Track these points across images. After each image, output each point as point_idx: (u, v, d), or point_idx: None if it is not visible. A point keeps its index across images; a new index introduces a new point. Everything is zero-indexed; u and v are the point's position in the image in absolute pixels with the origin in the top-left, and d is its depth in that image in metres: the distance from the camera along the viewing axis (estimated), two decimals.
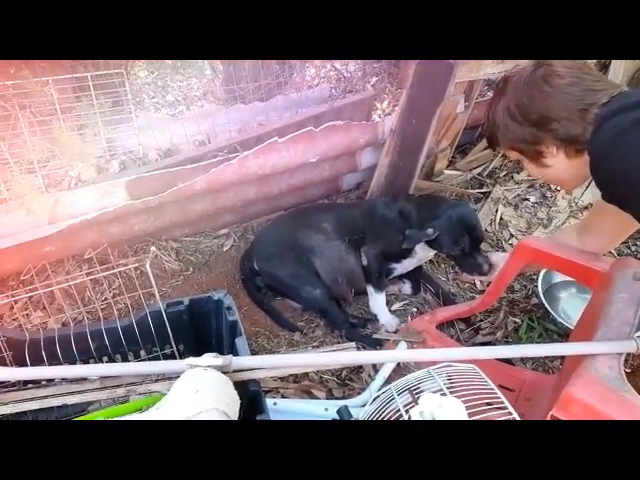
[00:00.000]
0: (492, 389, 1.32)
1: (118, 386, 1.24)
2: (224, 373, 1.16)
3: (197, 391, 1.00)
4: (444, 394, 1.29)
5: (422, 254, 2.07)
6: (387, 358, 1.59)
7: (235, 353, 1.33)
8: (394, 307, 2.18)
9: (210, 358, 1.14)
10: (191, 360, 1.14)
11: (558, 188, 2.77)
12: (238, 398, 1.11)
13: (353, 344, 1.29)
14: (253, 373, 1.20)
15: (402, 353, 1.61)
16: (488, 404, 1.28)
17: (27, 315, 1.86)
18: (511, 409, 1.23)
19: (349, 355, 1.27)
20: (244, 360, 1.19)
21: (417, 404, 1.20)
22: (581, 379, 1.17)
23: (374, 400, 1.44)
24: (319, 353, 1.24)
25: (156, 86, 3.29)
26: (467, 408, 1.21)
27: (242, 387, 1.23)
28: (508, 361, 1.87)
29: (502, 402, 1.27)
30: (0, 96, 1.92)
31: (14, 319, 1.84)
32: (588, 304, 1.62)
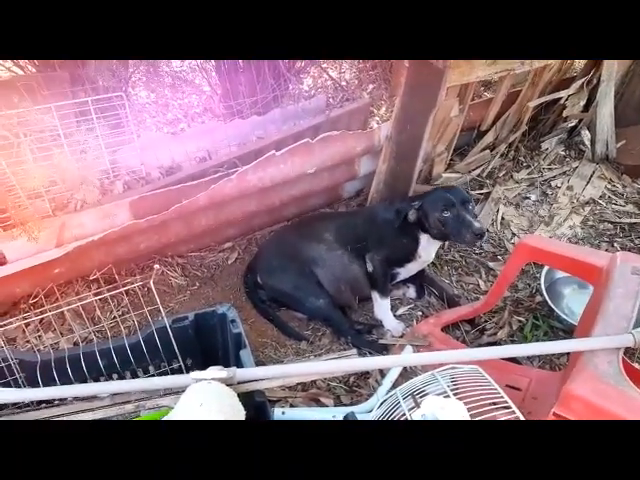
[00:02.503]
0: (495, 389, 1.34)
1: (127, 402, 1.28)
2: (229, 385, 1.19)
3: (201, 404, 1.02)
4: (447, 396, 1.31)
5: (425, 256, 2.09)
6: (391, 363, 1.60)
7: (240, 365, 1.36)
8: (399, 312, 2.20)
9: (214, 371, 1.17)
10: (196, 374, 1.17)
11: (559, 185, 2.78)
12: (242, 409, 1.14)
13: (354, 351, 1.32)
14: (257, 384, 1.23)
15: (405, 357, 1.62)
16: (494, 404, 1.29)
17: (39, 337, 1.90)
18: (514, 408, 1.25)
19: (352, 362, 1.29)
20: (248, 371, 1.22)
21: (419, 407, 1.22)
22: (580, 375, 1.18)
23: (381, 405, 1.46)
24: (322, 361, 1.26)
25: (157, 105, 3.35)
26: (471, 409, 1.23)
27: (248, 398, 1.26)
28: (515, 360, 1.88)
29: (506, 402, 1.29)
30: (4, 124, 1.99)
31: (27, 341, 1.89)
32: (589, 300, 1.63)
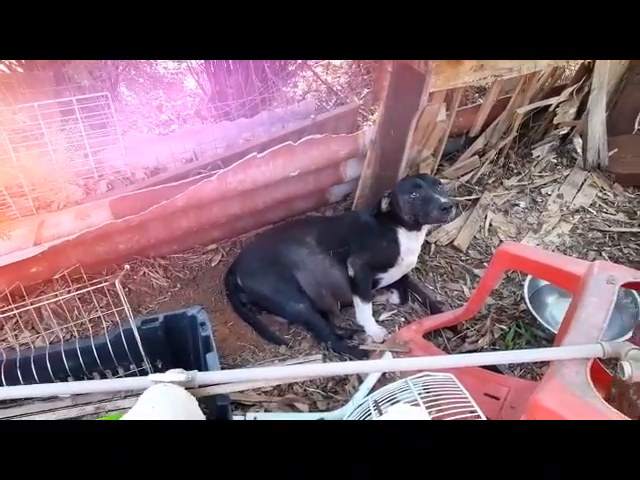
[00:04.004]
0: (466, 397, 1.32)
1: (88, 403, 1.26)
2: (189, 388, 1.17)
3: (153, 407, 1.00)
4: (417, 404, 1.29)
5: (407, 259, 2.07)
6: (363, 368, 1.58)
7: (206, 368, 1.34)
8: (382, 317, 2.17)
9: (173, 374, 1.15)
10: (155, 376, 1.15)
11: (549, 192, 2.76)
12: (201, 413, 1.12)
13: (319, 356, 1.29)
14: (219, 388, 1.21)
15: (379, 363, 1.59)
16: (472, 412, 1.27)
17: (16, 336, 1.89)
18: (483, 417, 1.23)
19: (317, 367, 1.27)
20: (208, 375, 1.20)
21: (382, 415, 1.20)
22: (548, 385, 1.16)
23: (353, 412, 1.44)
24: (286, 366, 1.24)
25: (148, 106, 3.35)
26: (440, 417, 1.21)
27: (211, 401, 1.24)
28: (496, 369, 1.85)
29: (475, 410, 1.27)
30: None
31: (2, 340, 1.87)
32: (567, 309, 1.61)
